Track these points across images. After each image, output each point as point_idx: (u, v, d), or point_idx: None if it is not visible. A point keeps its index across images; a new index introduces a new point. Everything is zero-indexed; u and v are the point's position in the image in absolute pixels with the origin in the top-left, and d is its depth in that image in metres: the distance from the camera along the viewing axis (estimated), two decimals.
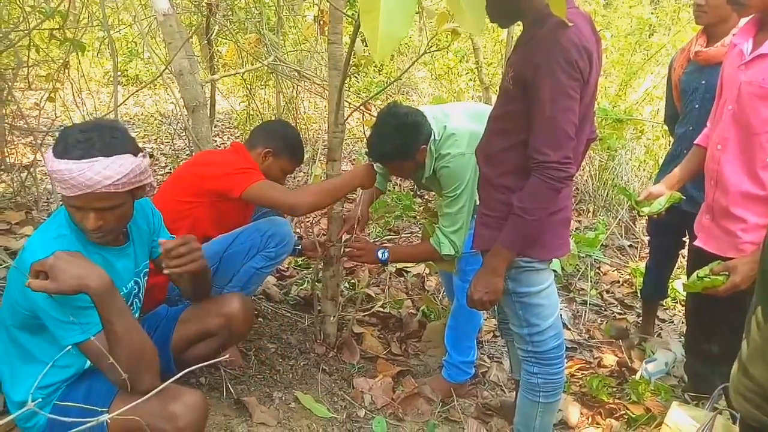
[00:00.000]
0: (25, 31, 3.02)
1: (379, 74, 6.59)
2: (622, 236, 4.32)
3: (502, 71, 2.98)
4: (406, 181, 4.45)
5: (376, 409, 2.26)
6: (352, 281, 3.17)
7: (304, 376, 2.32)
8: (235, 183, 2.03)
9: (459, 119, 2.15)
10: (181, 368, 1.06)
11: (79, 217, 1.42)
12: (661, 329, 3.10)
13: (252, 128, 2.65)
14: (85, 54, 3.20)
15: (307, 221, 3.92)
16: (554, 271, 2.19)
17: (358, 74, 5.96)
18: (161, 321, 1.87)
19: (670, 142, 3.12)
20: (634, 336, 2.99)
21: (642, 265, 3.21)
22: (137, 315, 1.69)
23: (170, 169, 4.75)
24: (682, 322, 2.99)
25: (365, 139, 2.94)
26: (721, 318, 1.87)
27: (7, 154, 3.67)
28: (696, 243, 1.85)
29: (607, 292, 3.59)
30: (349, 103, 3.52)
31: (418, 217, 3.50)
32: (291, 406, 2.12)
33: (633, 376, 2.60)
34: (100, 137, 1.38)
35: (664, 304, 3.31)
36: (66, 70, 3.48)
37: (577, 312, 3.31)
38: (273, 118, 4.53)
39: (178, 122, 5.06)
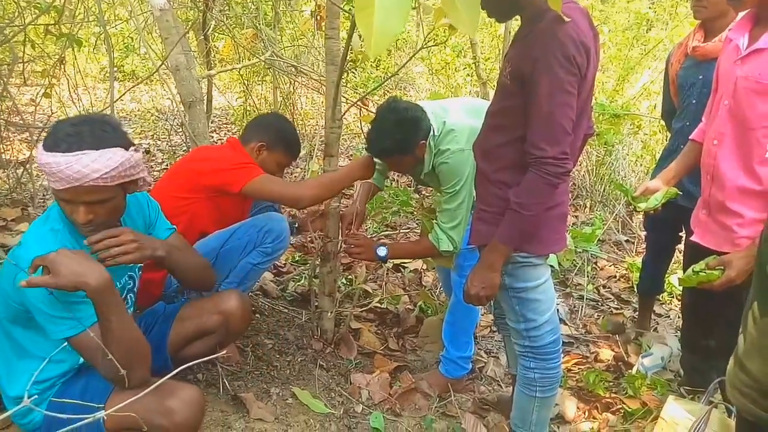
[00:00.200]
0: (21, 27, 3.00)
1: (377, 70, 6.57)
2: (618, 231, 4.33)
3: (499, 66, 2.98)
4: (403, 177, 4.45)
5: (373, 405, 2.26)
6: (349, 277, 3.17)
7: (301, 372, 2.32)
8: (235, 178, 2.02)
9: (458, 115, 2.14)
10: (179, 366, 1.06)
11: (69, 210, 1.42)
12: (658, 324, 3.11)
13: None
14: (81, 50, 3.19)
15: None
16: (551, 266, 2.20)
17: (356, 70, 5.94)
18: (158, 318, 1.87)
19: (667, 137, 3.13)
20: (630, 331, 3.00)
21: (638, 260, 3.22)
22: (132, 310, 1.69)
23: (167, 165, 4.74)
24: (679, 317, 3.00)
25: (363, 134, 2.93)
26: (717, 312, 1.88)
27: (2, 151, 3.66)
28: (692, 238, 1.86)
29: (604, 287, 3.60)
30: (347, 99, 3.52)
31: (415, 213, 3.49)
32: (288, 401, 2.13)
33: (629, 371, 2.61)
34: (90, 131, 1.38)
35: (661, 298, 3.32)
36: (62, 66, 3.47)
37: (574, 307, 3.32)
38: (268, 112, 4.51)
39: (175, 118, 5.04)
